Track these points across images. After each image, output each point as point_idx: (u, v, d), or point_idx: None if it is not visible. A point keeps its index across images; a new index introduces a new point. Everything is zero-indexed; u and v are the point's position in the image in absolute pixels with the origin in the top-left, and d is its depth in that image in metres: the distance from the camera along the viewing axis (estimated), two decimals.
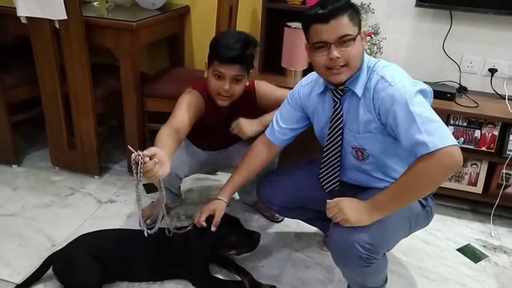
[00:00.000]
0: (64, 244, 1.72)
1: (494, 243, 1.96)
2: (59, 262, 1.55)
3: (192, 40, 2.50)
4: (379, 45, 2.16)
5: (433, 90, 2.02)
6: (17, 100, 2.27)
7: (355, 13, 1.25)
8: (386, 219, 1.24)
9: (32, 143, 2.55)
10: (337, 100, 1.36)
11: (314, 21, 1.24)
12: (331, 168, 1.47)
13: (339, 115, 1.37)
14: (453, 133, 2.05)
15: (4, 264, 1.66)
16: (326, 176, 1.49)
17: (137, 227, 1.86)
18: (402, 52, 2.27)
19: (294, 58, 2.17)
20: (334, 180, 1.48)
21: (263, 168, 1.61)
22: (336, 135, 1.40)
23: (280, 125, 1.55)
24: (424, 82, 2.13)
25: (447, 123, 2.04)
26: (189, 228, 1.55)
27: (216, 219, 1.50)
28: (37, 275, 1.55)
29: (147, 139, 2.22)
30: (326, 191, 1.50)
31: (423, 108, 1.19)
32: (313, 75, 1.49)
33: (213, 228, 1.49)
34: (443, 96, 2.07)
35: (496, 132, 2.02)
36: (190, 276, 1.61)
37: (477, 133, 2.04)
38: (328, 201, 1.29)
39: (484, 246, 1.93)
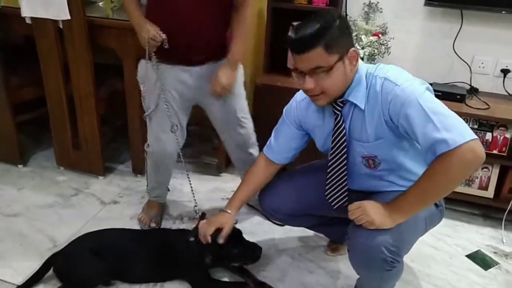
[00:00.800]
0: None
1: (505, 249, 1.90)
2: (60, 261, 1.55)
3: None
4: (387, 45, 2.11)
5: (443, 92, 2.03)
6: (22, 100, 2.28)
7: (336, 38, 1.17)
8: (406, 221, 1.21)
9: (38, 143, 2.56)
10: (337, 112, 1.31)
11: (290, 48, 1.23)
12: (337, 184, 1.42)
13: (341, 128, 1.32)
14: None
15: (5, 264, 1.66)
16: (333, 193, 1.43)
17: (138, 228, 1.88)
18: (411, 52, 2.22)
19: None
20: (342, 197, 1.42)
21: (265, 184, 1.57)
22: (340, 148, 1.35)
23: (278, 144, 1.50)
24: (434, 83, 2.14)
25: None
26: (191, 237, 1.52)
27: (225, 232, 1.44)
28: (37, 276, 1.54)
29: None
30: (334, 208, 1.45)
31: (435, 104, 1.15)
32: None
33: (221, 241, 1.43)
34: (453, 97, 2.01)
35: (508, 135, 1.96)
36: (190, 279, 1.58)
37: (489, 136, 1.98)
38: (349, 206, 1.26)
39: (495, 253, 1.87)
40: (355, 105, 1.27)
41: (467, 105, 1.99)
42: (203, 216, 1.56)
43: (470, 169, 1.13)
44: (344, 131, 1.32)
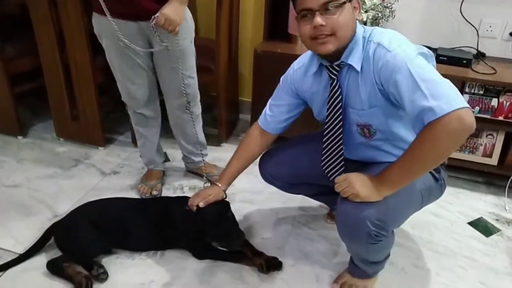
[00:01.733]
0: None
1: (508, 216, 1.88)
2: (60, 230, 1.56)
3: (196, 6, 2.41)
4: (391, 8, 2.03)
5: (448, 56, 1.97)
6: (19, 71, 2.25)
7: None
8: (397, 194, 1.17)
9: (37, 114, 2.55)
10: (334, 77, 1.26)
11: None
12: (333, 154, 1.38)
13: (337, 93, 1.27)
14: (468, 102, 1.93)
15: (7, 234, 1.67)
16: (329, 163, 1.40)
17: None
18: (416, 15, 2.14)
19: None
20: (338, 168, 1.39)
21: (259, 156, 1.54)
22: (336, 115, 1.30)
23: (274, 113, 1.46)
24: (439, 47, 2.07)
25: (462, 91, 1.93)
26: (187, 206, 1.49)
27: (208, 199, 1.43)
28: (39, 245, 1.56)
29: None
30: (331, 179, 1.41)
31: (425, 70, 1.08)
32: (304, 56, 1.39)
33: (201, 204, 1.41)
34: (458, 62, 1.96)
35: None
36: (189, 247, 1.59)
37: (494, 102, 1.93)
38: (339, 178, 1.22)
39: (497, 220, 1.86)
40: (352, 68, 1.22)
41: (473, 70, 1.93)
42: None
43: (458, 139, 1.06)
44: (340, 97, 1.27)
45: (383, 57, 1.14)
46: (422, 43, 2.14)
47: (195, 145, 1.97)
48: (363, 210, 1.17)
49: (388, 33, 1.19)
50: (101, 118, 2.19)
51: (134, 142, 2.30)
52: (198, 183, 2.03)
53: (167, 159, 2.14)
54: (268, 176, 1.58)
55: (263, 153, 1.58)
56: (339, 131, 1.32)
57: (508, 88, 1.88)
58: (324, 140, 1.37)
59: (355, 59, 1.20)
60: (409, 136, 1.29)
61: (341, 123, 1.30)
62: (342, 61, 1.22)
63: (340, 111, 1.29)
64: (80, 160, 2.17)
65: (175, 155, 2.21)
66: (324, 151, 1.39)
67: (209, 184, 1.57)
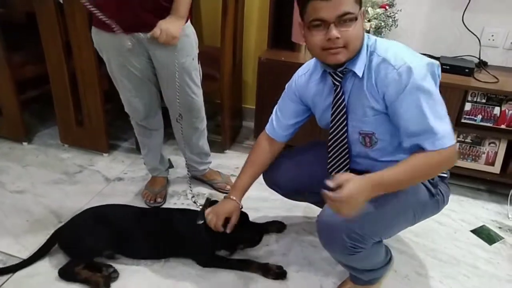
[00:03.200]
0: None
1: (510, 224, 1.89)
2: (65, 233, 1.57)
3: (201, 14, 2.44)
4: (394, 18, 2.05)
5: (451, 65, 1.99)
6: (25, 78, 2.27)
7: None
8: (381, 207, 1.18)
9: (42, 120, 2.57)
10: (337, 83, 1.27)
11: None
12: (339, 157, 1.38)
13: (341, 100, 1.28)
14: (470, 110, 1.96)
15: (12, 240, 1.68)
16: (335, 166, 1.40)
17: (144, 205, 1.89)
18: (419, 24, 2.16)
19: None
20: (345, 170, 1.39)
21: (269, 165, 1.55)
22: (340, 121, 1.31)
23: (279, 121, 1.48)
24: (442, 56, 2.08)
25: (464, 100, 1.95)
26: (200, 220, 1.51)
27: (233, 222, 1.45)
28: (43, 251, 1.57)
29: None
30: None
31: (434, 100, 1.13)
32: (309, 63, 1.40)
33: (228, 230, 1.45)
34: (461, 71, 1.97)
35: None
36: (195, 258, 1.60)
37: (497, 110, 1.94)
38: (333, 197, 1.09)
39: (499, 228, 1.86)
40: (355, 76, 1.23)
41: (475, 78, 1.95)
42: (208, 202, 1.57)
43: (447, 168, 1.24)
44: (344, 103, 1.28)
45: (389, 74, 1.14)
46: (424, 52, 2.17)
47: (199, 155, 1.99)
48: (339, 222, 1.17)
49: (393, 46, 1.19)
50: (106, 125, 2.21)
51: (139, 149, 2.29)
52: (202, 189, 2.04)
53: (170, 166, 2.16)
54: (272, 183, 1.59)
55: None
56: (344, 135, 1.33)
57: (510, 97, 1.90)
58: (329, 144, 1.37)
59: (358, 66, 1.21)
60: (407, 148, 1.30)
61: (345, 128, 1.31)
62: (346, 68, 1.23)
63: (345, 116, 1.29)
64: (84, 166, 2.18)
65: (179, 161, 2.23)
66: (330, 155, 1.39)
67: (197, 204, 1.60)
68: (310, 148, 1.58)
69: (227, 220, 1.45)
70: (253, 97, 2.35)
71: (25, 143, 2.35)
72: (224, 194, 1.96)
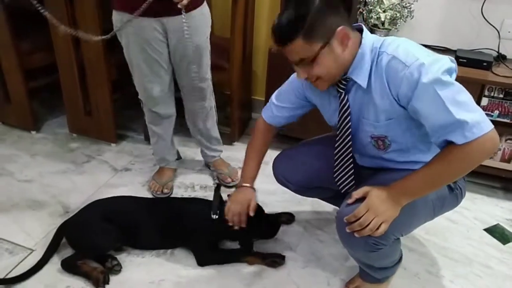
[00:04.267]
0: (77, 211, 1.73)
1: None
2: (71, 227, 1.55)
3: (211, 4, 2.40)
4: (410, 8, 1.99)
5: (468, 59, 1.92)
6: (34, 66, 2.26)
7: (316, 24, 1.06)
8: (406, 204, 1.14)
9: (51, 109, 2.56)
10: (341, 91, 1.22)
11: (275, 44, 1.14)
12: (344, 167, 1.35)
13: (346, 107, 1.23)
14: (487, 106, 1.90)
15: (19, 229, 1.68)
16: (341, 176, 1.38)
17: (151, 196, 1.87)
18: (435, 16, 2.09)
19: None
20: (349, 181, 1.37)
21: (267, 149, 1.54)
22: (345, 130, 1.27)
23: (280, 108, 1.44)
24: (459, 49, 2.02)
25: (481, 94, 1.88)
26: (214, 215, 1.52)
27: (253, 205, 1.44)
28: (53, 246, 1.55)
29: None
30: (342, 191, 1.39)
31: (451, 90, 1.03)
32: None
33: (251, 213, 1.44)
34: (478, 65, 1.91)
35: None
36: (196, 249, 1.57)
37: None
38: (356, 210, 1.13)
39: None
40: (358, 84, 1.18)
41: (493, 73, 1.88)
42: (218, 192, 1.57)
43: (487, 158, 1.07)
44: (349, 110, 1.23)
45: (400, 73, 1.07)
46: (441, 44, 2.11)
47: (210, 140, 1.99)
48: None
49: (403, 43, 1.12)
50: (114, 115, 2.19)
51: (147, 139, 2.30)
52: (210, 181, 2.02)
53: (179, 157, 2.14)
54: (282, 179, 1.56)
55: (277, 155, 1.57)
56: (348, 144, 1.30)
57: None
58: (335, 152, 1.35)
59: (360, 76, 1.16)
60: (424, 147, 1.25)
61: (349, 137, 1.28)
62: (347, 76, 1.18)
63: (349, 124, 1.26)
64: (92, 156, 2.17)
65: (188, 153, 2.21)
66: (336, 164, 1.37)
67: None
68: (319, 144, 1.54)
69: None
70: (262, 89, 2.31)
71: (33, 132, 2.35)
72: (224, 186, 1.97)
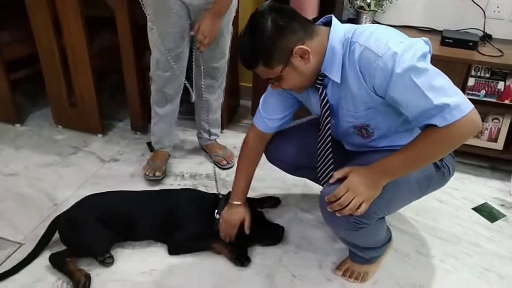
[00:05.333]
0: (65, 203, 1.71)
1: None
2: (66, 225, 1.51)
3: None
4: None
5: (454, 39, 1.91)
6: (15, 57, 2.21)
7: (271, 50, 1.10)
8: (389, 183, 1.14)
9: (35, 101, 2.51)
10: (318, 86, 1.23)
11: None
12: (324, 160, 1.37)
13: (324, 102, 1.24)
14: (474, 85, 1.90)
15: (6, 223, 1.65)
16: (323, 170, 1.39)
17: (141, 186, 1.85)
18: None
19: (303, 5, 2.02)
20: (329, 176, 1.36)
21: (260, 157, 1.55)
22: (325, 123, 1.29)
23: (269, 113, 1.43)
24: (445, 30, 2.01)
25: (468, 74, 1.88)
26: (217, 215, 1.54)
27: (247, 224, 1.50)
28: (45, 240, 1.51)
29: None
30: (322, 183, 1.41)
31: (426, 75, 1.03)
32: None
33: (247, 232, 1.50)
34: (464, 45, 1.91)
35: None
36: (173, 239, 1.54)
37: (501, 85, 1.88)
38: (336, 190, 1.13)
39: (502, 205, 1.83)
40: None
41: (479, 52, 1.88)
42: (227, 197, 1.58)
43: (468, 139, 1.09)
44: (328, 105, 1.24)
45: (373, 63, 1.06)
46: (427, 25, 2.11)
47: (211, 122, 2.01)
48: None
49: (375, 31, 1.10)
50: (100, 105, 2.16)
51: (134, 128, 2.27)
52: (199, 169, 2.00)
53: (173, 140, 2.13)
54: (273, 157, 1.56)
55: None
56: (328, 139, 1.32)
57: None
58: (318, 147, 1.37)
59: (333, 72, 1.16)
60: (407, 131, 1.26)
61: (329, 131, 1.30)
62: (322, 73, 1.18)
63: (329, 119, 1.27)
64: (79, 148, 2.14)
65: (176, 142, 2.19)
66: (319, 156, 1.38)
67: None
68: (312, 123, 1.53)
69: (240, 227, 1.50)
70: (249, 75, 2.29)
71: (17, 125, 2.30)
72: (219, 168, 2.00)
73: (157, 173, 1.90)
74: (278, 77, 1.16)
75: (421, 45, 1.07)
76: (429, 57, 1.09)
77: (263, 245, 1.58)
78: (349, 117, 1.24)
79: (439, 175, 1.31)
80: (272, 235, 1.58)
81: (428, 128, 1.06)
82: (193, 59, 1.79)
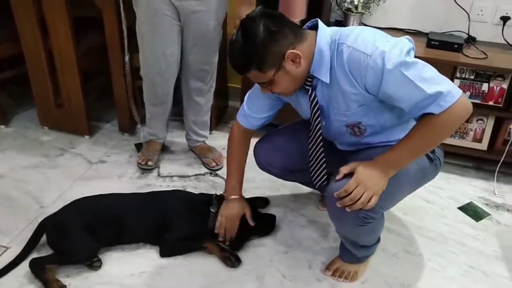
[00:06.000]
0: (52, 206, 1.69)
1: (497, 201, 1.90)
2: (52, 228, 1.48)
3: None
4: None
5: (439, 41, 1.95)
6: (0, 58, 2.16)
7: (264, 56, 1.13)
8: (391, 177, 1.17)
9: (20, 102, 2.47)
10: (308, 88, 1.25)
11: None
12: (316, 162, 1.40)
13: (314, 103, 1.27)
14: (459, 87, 1.89)
15: None
16: (314, 171, 1.42)
17: (129, 188, 1.83)
18: (408, 0, 2.11)
19: (292, 7, 2.03)
20: (321, 176, 1.41)
21: (247, 152, 1.57)
22: (315, 124, 1.31)
23: (253, 111, 1.46)
24: (430, 32, 2.04)
25: (453, 76, 1.92)
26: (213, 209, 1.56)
27: (249, 216, 1.53)
28: (32, 243, 1.49)
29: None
30: (316, 187, 1.46)
31: (415, 69, 1.08)
32: None
33: (252, 224, 1.53)
34: (449, 47, 1.94)
35: (505, 86, 1.90)
36: (163, 239, 1.53)
37: (485, 87, 1.92)
38: (346, 185, 1.14)
39: (486, 204, 1.87)
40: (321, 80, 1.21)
41: (464, 54, 1.92)
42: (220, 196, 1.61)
43: (463, 121, 1.15)
44: (317, 106, 1.27)
45: (363, 63, 1.10)
46: (413, 27, 2.14)
47: (199, 124, 2.03)
48: None
49: (361, 33, 1.14)
50: (87, 106, 2.13)
51: (121, 130, 2.25)
52: (188, 171, 2.00)
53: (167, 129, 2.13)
54: (265, 164, 1.56)
55: (257, 140, 1.58)
56: (319, 139, 1.35)
57: (498, 73, 1.88)
58: (309, 148, 1.39)
59: (322, 73, 1.19)
60: (399, 125, 1.29)
61: (320, 132, 1.32)
62: (310, 74, 1.21)
63: (319, 119, 1.30)
64: (65, 149, 2.11)
65: (166, 144, 2.18)
66: (310, 158, 1.40)
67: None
68: (299, 127, 1.54)
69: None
70: (238, 76, 2.28)
71: (2, 126, 2.26)
72: (208, 171, 2.00)
73: (149, 163, 1.94)
74: (270, 81, 1.19)
75: (406, 43, 1.13)
76: (413, 53, 1.14)
77: (258, 236, 1.60)
78: (341, 116, 1.26)
79: (432, 167, 1.35)
80: (265, 224, 1.61)
81: (425, 116, 1.11)
82: (182, 63, 1.79)
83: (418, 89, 1.07)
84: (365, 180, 1.13)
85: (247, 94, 1.48)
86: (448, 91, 1.06)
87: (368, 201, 1.13)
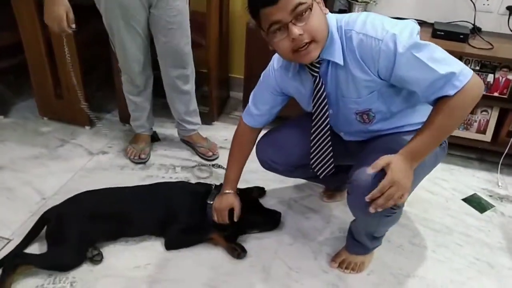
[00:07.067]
0: (54, 198, 1.67)
1: (501, 192, 1.89)
2: (54, 223, 1.45)
3: None
4: None
5: (445, 31, 1.92)
6: None
7: None
8: None
9: (19, 93, 2.43)
10: (315, 74, 1.22)
11: (262, 5, 1.06)
12: (322, 152, 1.38)
13: (321, 90, 1.24)
14: None
15: None
16: (318, 161, 1.40)
17: (131, 179, 1.81)
18: None
19: None
20: (328, 165, 1.40)
21: (251, 150, 1.55)
22: (322, 113, 1.29)
23: (258, 109, 1.44)
24: (436, 22, 2.02)
25: None
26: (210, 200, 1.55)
27: (237, 212, 1.51)
28: (33, 234, 1.47)
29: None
30: (320, 177, 1.44)
31: (426, 49, 1.07)
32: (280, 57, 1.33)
33: (236, 219, 1.50)
34: (455, 37, 1.92)
35: (510, 77, 1.89)
36: (168, 232, 1.52)
37: (490, 78, 1.91)
38: (380, 186, 1.09)
39: (490, 196, 1.87)
40: (334, 63, 1.18)
41: (469, 45, 1.90)
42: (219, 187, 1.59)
43: (478, 99, 1.11)
44: (324, 94, 1.24)
45: (375, 48, 1.09)
46: (418, 17, 2.11)
47: (188, 112, 1.98)
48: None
49: (367, 18, 1.13)
50: (87, 96, 2.10)
51: (122, 120, 2.23)
52: (181, 162, 1.98)
53: (157, 139, 2.10)
54: (269, 161, 1.54)
55: (259, 139, 1.56)
56: (327, 127, 1.32)
57: (504, 64, 1.86)
58: (311, 138, 1.37)
59: (335, 54, 1.16)
60: (407, 109, 1.28)
61: (327, 120, 1.30)
62: (321, 58, 1.18)
63: (326, 107, 1.27)
64: (66, 140, 2.09)
65: (166, 133, 2.16)
66: (313, 149, 1.38)
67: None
68: (302, 122, 1.52)
69: (231, 212, 1.50)
70: (240, 66, 2.26)
71: (1, 117, 2.23)
72: (204, 161, 1.99)
73: (142, 156, 1.93)
74: (310, 5, 1.07)
75: (414, 25, 1.12)
76: (419, 36, 1.13)
77: (261, 230, 1.59)
78: (352, 103, 1.24)
79: (441, 150, 1.35)
80: (269, 220, 1.60)
81: (440, 100, 1.09)
82: (158, 51, 1.77)
83: (431, 70, 1.06)
84: (399, 180, 1.09)
85: (252, 93, 1.46)
86: (460, 71, 1.06)
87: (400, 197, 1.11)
